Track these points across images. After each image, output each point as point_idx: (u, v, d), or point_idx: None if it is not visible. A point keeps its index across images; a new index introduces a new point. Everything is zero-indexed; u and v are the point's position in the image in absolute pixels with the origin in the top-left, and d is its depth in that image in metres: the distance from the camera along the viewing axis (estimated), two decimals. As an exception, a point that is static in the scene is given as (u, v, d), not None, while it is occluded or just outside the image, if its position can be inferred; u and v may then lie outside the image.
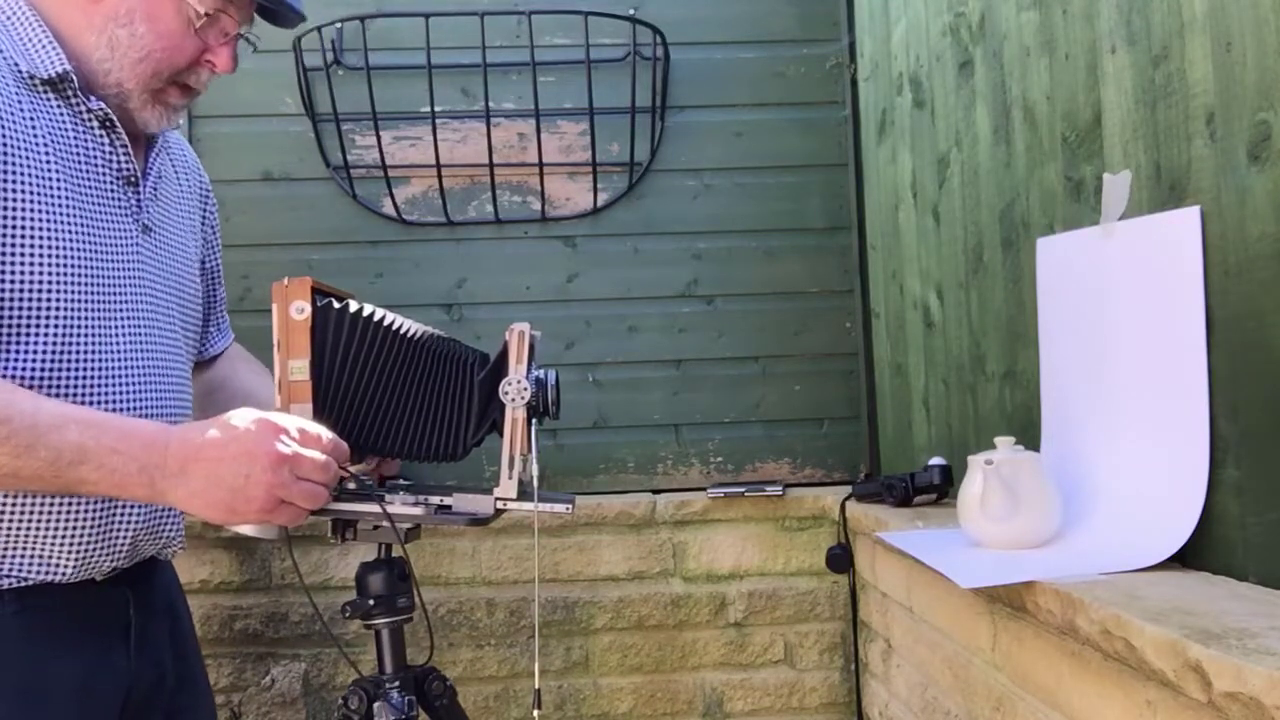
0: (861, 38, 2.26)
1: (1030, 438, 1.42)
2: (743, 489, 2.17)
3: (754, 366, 2.31)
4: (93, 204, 1.18)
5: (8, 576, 1.12)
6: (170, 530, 1.27)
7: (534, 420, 1.13)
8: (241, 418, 1.06)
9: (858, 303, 2.32)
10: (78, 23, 1.17)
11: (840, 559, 2.08)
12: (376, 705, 1.19)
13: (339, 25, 2.24)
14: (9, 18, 1.15)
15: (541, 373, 1.14)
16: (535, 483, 1.13)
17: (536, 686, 1.11)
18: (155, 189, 1.29)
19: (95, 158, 1.19)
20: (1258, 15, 0.99)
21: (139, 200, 1.24)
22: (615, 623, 2.15)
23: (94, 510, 1.16)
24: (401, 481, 1.32)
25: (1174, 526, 1.11)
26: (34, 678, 1.13)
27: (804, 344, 2.32)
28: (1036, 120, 1.45)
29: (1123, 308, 1.23)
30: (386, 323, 1.15)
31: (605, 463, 2.29)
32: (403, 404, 1.16)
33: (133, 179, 1.23)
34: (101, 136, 1.20)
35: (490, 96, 2.23)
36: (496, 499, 1.13)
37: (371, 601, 1.21)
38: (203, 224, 1.47)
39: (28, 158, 1.11)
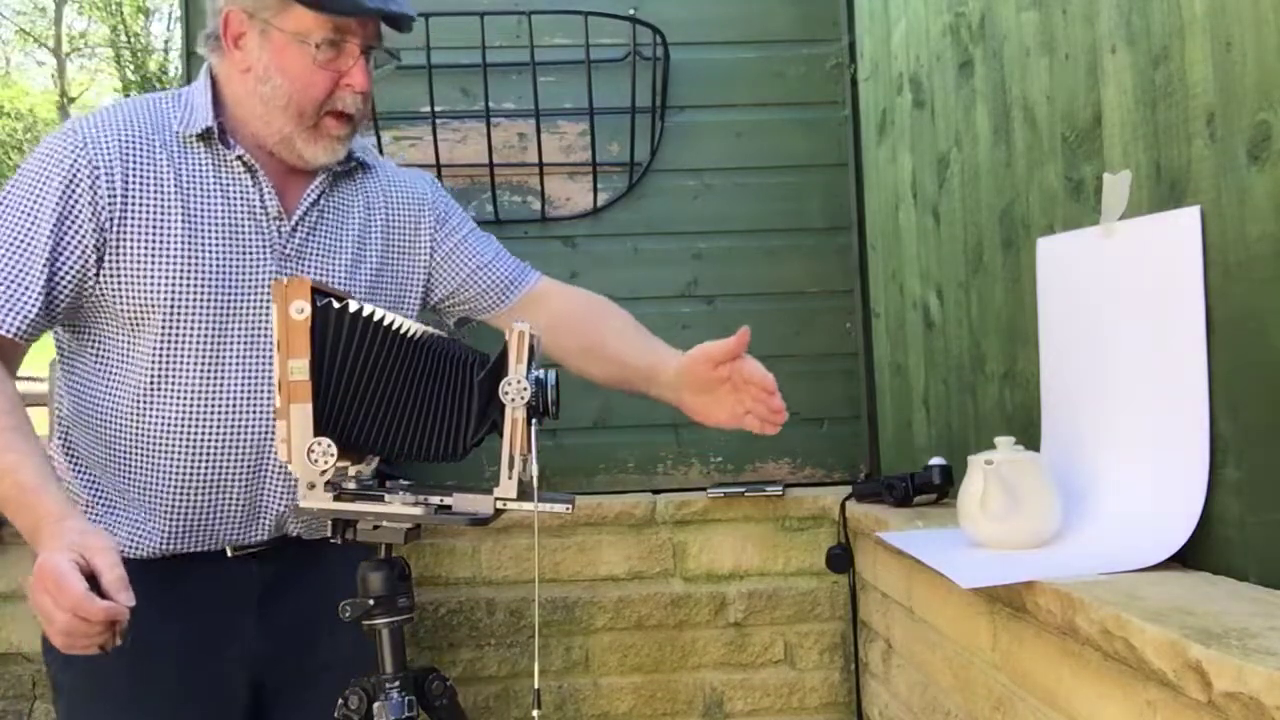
0: (861, 38, 2.26)
1: (1030, 438, 1.42)
2: (743, 489, 2.17)
3: (754, 366, 2.30)
4: (221, 235, 1.35)
5: (142, 548, 1.34)
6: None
7: (534, 420, 1.13)
8: (63, 542, 1.11)
9: (858, 303, 2.32)
10: (238, 91, 1.37)
11: (840, 559, 2.08)
12: (376, 705, 1.19)
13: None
14: (193, 88, 1.39)
15: (541, 373, 1.14)
16: (535, 483, 1.13)
17: (536, 686, 1.11)
18: (314, 221, 1.42)
19: (235, 196, 1.37)
20: (1258, 15, 0.99)
21: (279, 230, 1.39)
22: (615, 623, 2.15)
23: (243, 497, 1.36)
24: (402, 481, 1.31)
25: (1174, 526, 1.11)
26: (154, 631, 1.27)
27: (804, 344, 2.32)
28: (1036, 120, 1.45)
29: (1123, 308, 1.23)
30: (386, 322, 1.15)
31: (605, 463, 2.29)
32: (402, 404, 1.16)
33: (276, 214, 1.38)
34: (245, 177, 1.37)
35: (490, 96, 2.23)
36: (496, 499, 1.13)
37: (371, 601, 1.21)
38: (425, 235, 1.55)
39: (148, 198, 1.32)
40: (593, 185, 2.29)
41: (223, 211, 1.36)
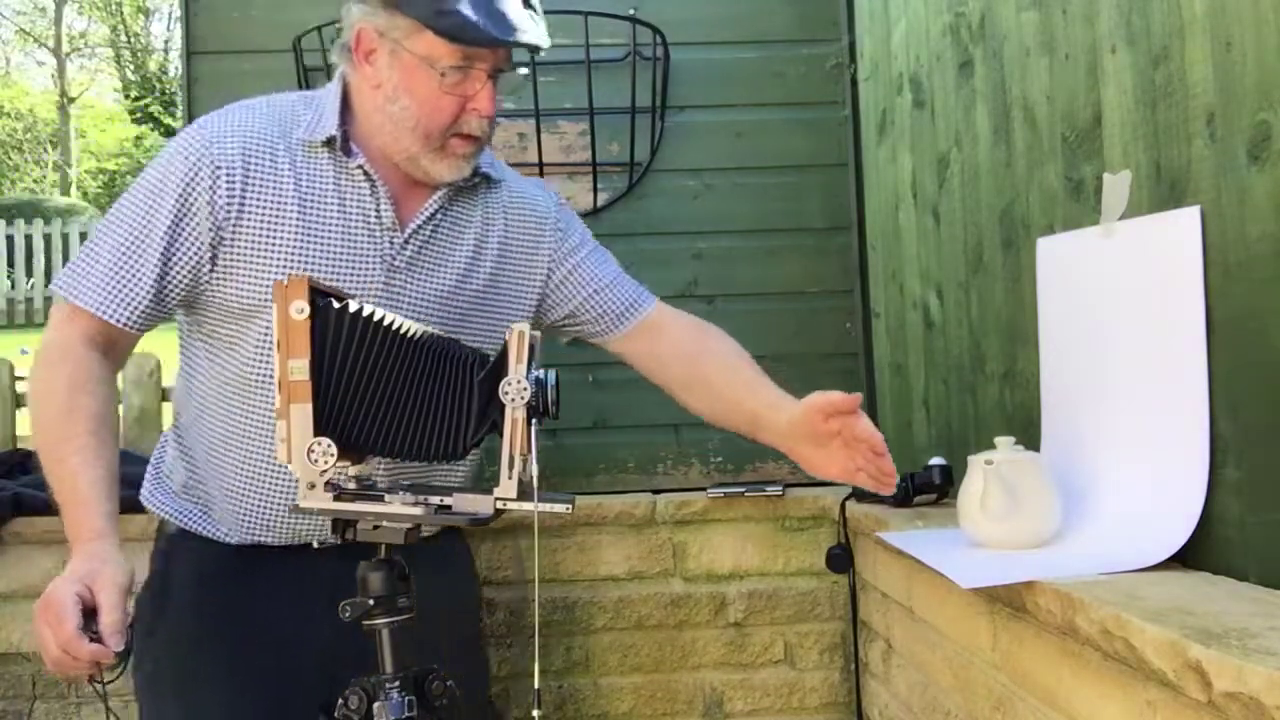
0: (861, 38, 2.26)
1: (1030, 438, 1.42)
2: (743, 489, 2.16)
3: (754, 366, 2.30)
4: (334, 242, 1.37)
5: (232, 535, 1.41)
6: None
7: (534, 420, 1.13)
8: (76, 568, 1.18)
9: (858, 303, 2.32)
10: (367, 105, 1.38)
11: (840, 559, 2.08)
12: (376, 705, 1.19)
13: (339, 25, 2.24)
14: (326, 93, 1.41)
15: (541, 373, 1.14)
16: (535, 483, 1.13)
17: (536, 686, 1.11)
18: (428, 235, 1.43)
19: (351, 204, 1.39)
20: (1258, 15, 0.99)
21: (391, 241, 1.40)
22: (615, 623, 2.15)
23: None
24: (401, 481, 1.31)
25: (1174, 526, 1.11)
26: (241, 606, 1.40)
27: (804, 344, 2.32)
28: (1036, 120, 1.45)
29: (1123, 308, 1.23)
30: (386, 322, 1.15)
31: (605, 463, 2.29)
32: (402, 404, 1.16)
33: (390, 225, 1.39)
34: (364, 186, 1.39)
35: (490, 96, 2.23)
36: (496, 499, 1.13)
37: (372, 601, 1.21)
38: (544, 254, 1.54)
39: (265, 201, 1.35)
40: (593, 185, 2.29)
41: (338, 219, 1.38)
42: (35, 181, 19.10)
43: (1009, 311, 1.55)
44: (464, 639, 1.58)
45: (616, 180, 2.31)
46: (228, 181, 1.33)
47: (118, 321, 1.33)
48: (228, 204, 1.34)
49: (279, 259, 1.35)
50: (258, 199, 1.35)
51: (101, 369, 1.33)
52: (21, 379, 3.10)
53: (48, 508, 2.07)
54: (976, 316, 1.68)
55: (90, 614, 1.14)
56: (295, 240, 1.35)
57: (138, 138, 19.53)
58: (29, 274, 10.93)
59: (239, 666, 1.39)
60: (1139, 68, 1.20)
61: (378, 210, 1.39)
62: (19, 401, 2.54)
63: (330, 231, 1.37)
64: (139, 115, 19.89)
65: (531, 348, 1.15)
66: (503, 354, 1.15)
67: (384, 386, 1.15)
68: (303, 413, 1.11)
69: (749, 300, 2.31)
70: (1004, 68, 1.55)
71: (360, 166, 1.38)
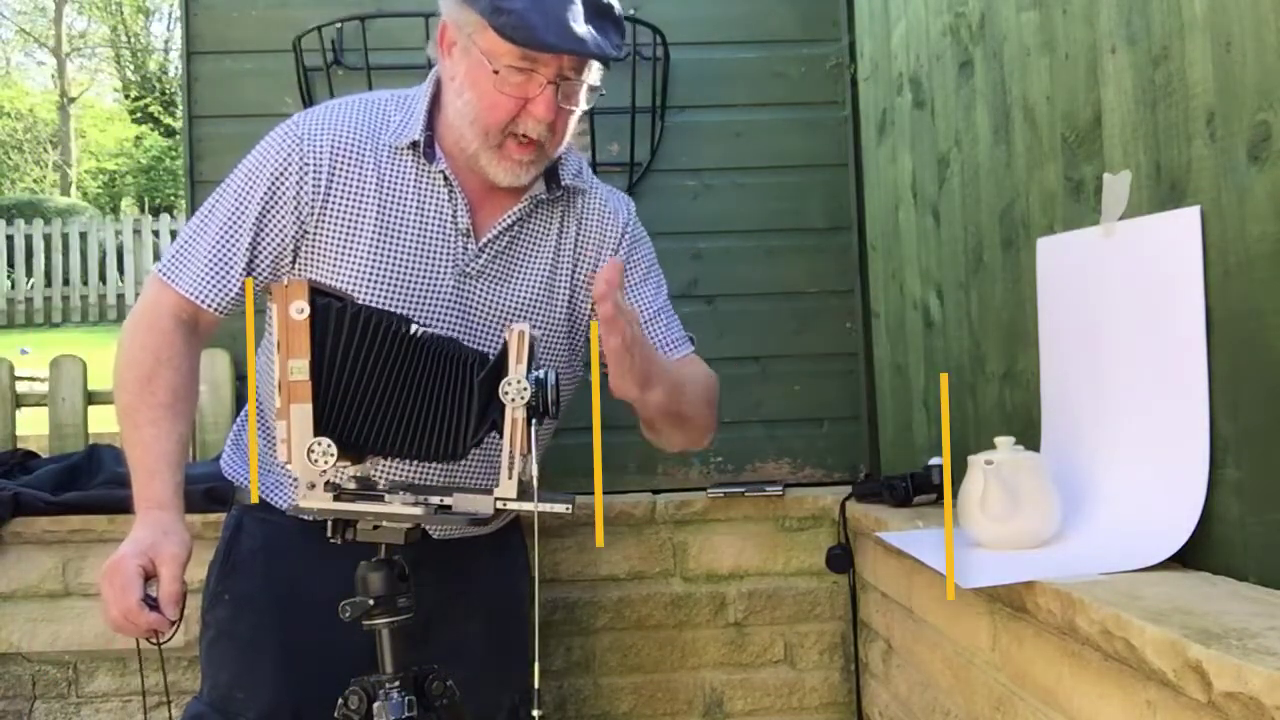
0: (861, 38, 2.26)
1: (1030, 438, 1.42)
2: (743, 489, 2.16)
3: (754, 366, 2.31)
4: (410, 245, 1.40)
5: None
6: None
7: (534, 420, 1.13)
8: (135, 539, 1.27)
9: (858, 303, 2.32)
10: (448, 98, 1.40)
11: (840, 559, 2.08)
12: (376, 705, 1.19)
13: (339, 25, 2.24)
14: (418, 95, 1.43)
15: (541, 373, 1.14)
16: (535, 482, 1.13)
17: (536, 686, 1.11)
18: (504, 244, 1.45)
19: (430, 208, 1.41)
20: (1258, 15, 0.99)
21: (465, 247, 1.42)
22: (615, 623, 2.15)
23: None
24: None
25: (1174, 526, 1.11)
26: (304, 582, 1.41)
27: (804, 344, 2.32)
28: (1036, 120, 1.45)
29: (1123, 308, 1.23)
30: (386, 323, 1.16)
31: (605, 463, 2.28)
32: (402, 404, 1.16)
33: (465, 231, 1.42)
34: (443, 191, 1.42)
35: (490, 96, 2.23)
36: (496, 499, 1.13)
37: (372, 601, 1.21)
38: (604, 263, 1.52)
39: (347, 201, 1.39)
40: (593, 185, 2.29)
41: (415, 222, 1.40)
42: (35, 181, 19.09)
43: (1009, 311, 1.55)
44: (512, 616, 1.60)
45: (616, 180, 2.30)
46: (314, 178, 1.38)
47: (210, 307, 1.39)
48: (312, 199, 1.38)
49: (356, 258, 1.38)
50: (340, 198, 1.39)
51: (186, 345, 1.39)
52: (21, 379, 3.11)
53: (48, 508, 2.07)
54: (976, 316, 1.68)
55: (150, 580, 1.25)
56: (373, 240, 1.38)
57: (138, 138, 19.51)
58: (29, 274, 10.92)
59: (297, 641, 1.42)
60: (1139, 68, 1.20)
61: (454, 216, 1.41)
62: (19, 401, 2.54)
63: (407, 234, 1.40)
64: (139, 115, 19.87)
65: (531, 348, 1.15)
66: (503, 354, 1.15)
67: (384, 386, 1.15)
68: (303, 413, 1.11)
69: (749, 300, 2.31)
70: (1004, 68, 1.55)
71: (441, 172, 1.40)
